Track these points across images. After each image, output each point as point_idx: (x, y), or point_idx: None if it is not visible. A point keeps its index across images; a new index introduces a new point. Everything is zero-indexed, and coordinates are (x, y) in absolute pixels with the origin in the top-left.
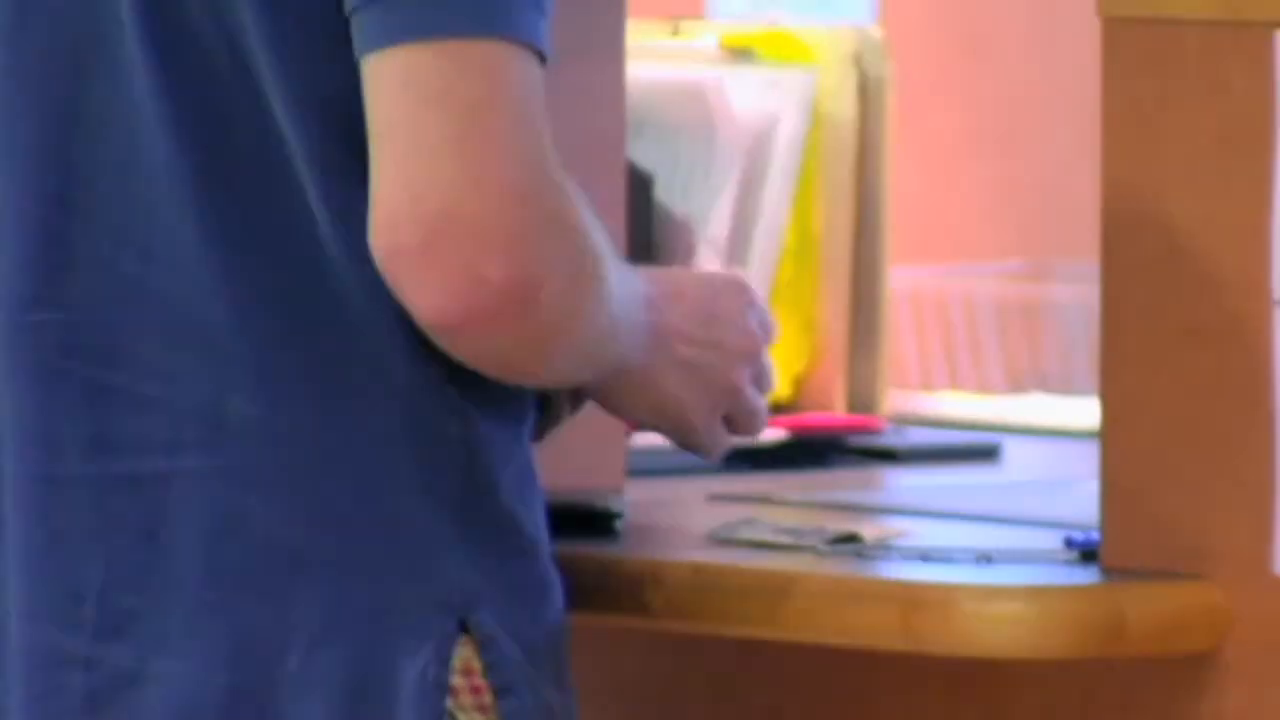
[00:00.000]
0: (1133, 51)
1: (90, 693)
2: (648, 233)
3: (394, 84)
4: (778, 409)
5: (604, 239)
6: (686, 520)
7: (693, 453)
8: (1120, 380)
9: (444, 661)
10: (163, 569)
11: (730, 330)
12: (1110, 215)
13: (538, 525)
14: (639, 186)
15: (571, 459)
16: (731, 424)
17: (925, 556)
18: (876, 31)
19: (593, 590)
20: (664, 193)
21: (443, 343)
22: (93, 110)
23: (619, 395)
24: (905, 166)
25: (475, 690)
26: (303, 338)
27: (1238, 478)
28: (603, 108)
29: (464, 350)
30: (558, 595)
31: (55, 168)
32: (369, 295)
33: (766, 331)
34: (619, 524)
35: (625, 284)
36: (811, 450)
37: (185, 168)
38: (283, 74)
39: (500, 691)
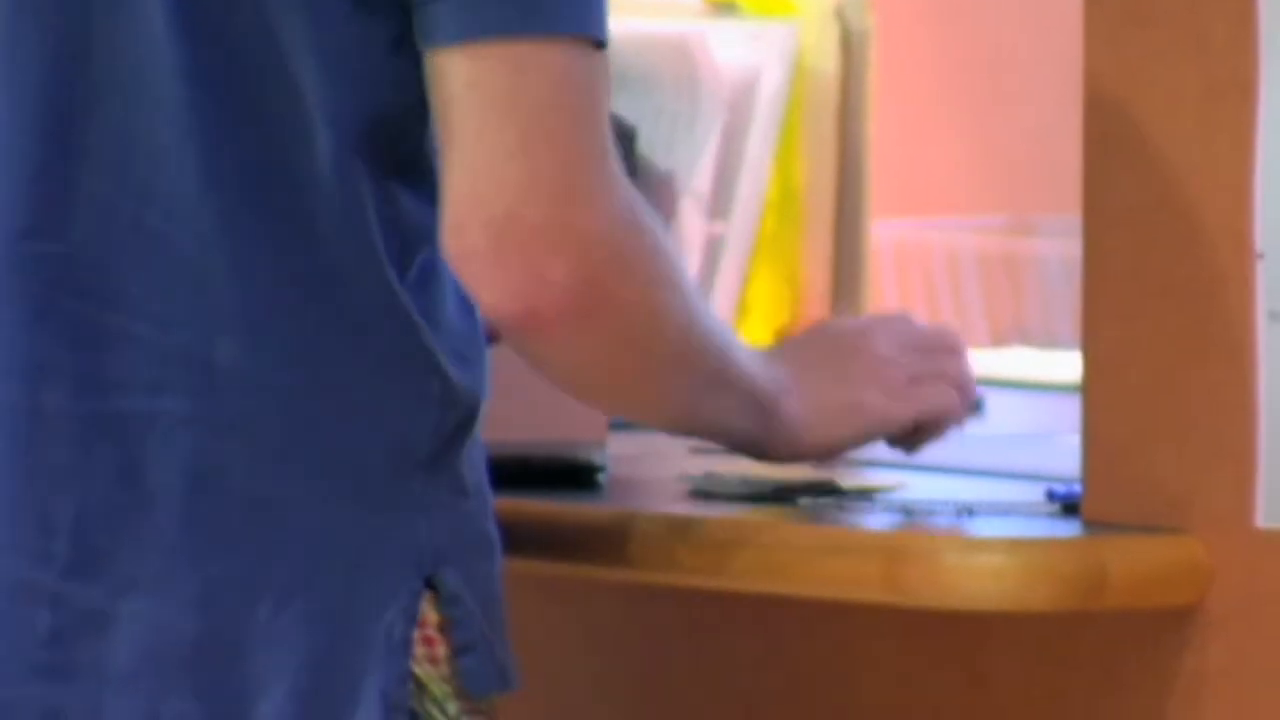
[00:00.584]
0: (1116, 5)
1: (55, 629)
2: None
3: (459, 84)
4: None
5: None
6: (668, 473)
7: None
8: (1102, 334)
9: (411, 619)
10: (138, 511)
11: (900, 380)
12: (1092, 169)
13: (483, 482)
14: (622, 140)
15: (553, 413)
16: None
17: (907, 509)
18: None
19: (575, 543)
20: (646, 146)
21: (518, 348)
22: (103, 46)
23: (788, 441)
24: (887, 120)
25: (428, 641)
26: (293, 292)
27: (1219, 431)
28: None
29: (537, 350)
30: (499, 553)
31: (60, 101)
32: (360, 259)
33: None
34: (601, 477)
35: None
36: None
37: (194, 114)
38: (307, 35)
39: (460, 650)
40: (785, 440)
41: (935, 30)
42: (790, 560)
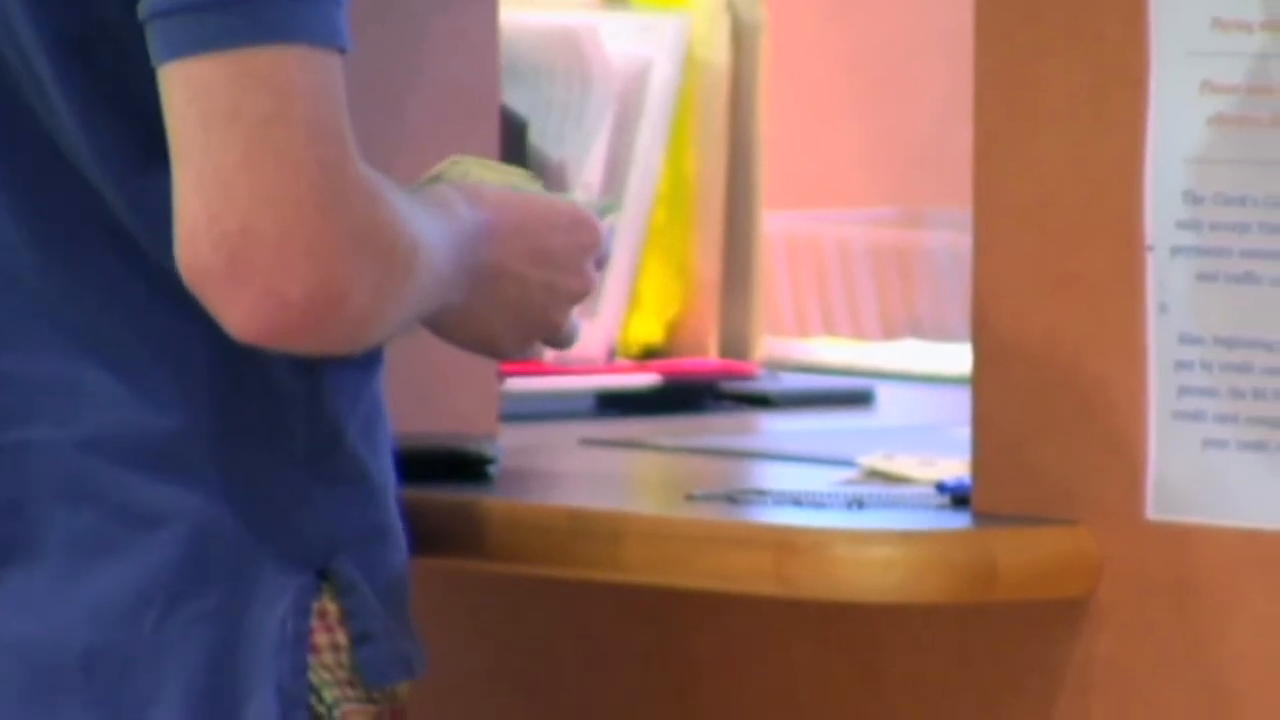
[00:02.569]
0: (1007, 0)
1: None
2: None
3: (182, 100)
4: (651, 354)
5: (419, 209)
6: (559, 465)
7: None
8: (993, 326)
9: (303, 612)
10: (25, 537)
11: (564, 274)
12: (983, 162)
13: (385, 471)
14: (513, 131)
15: (445, 404)
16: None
17: (797, 501)
18: None
19: (465, 536)
20: (538, 137)
21: (258, 346)
22: None
23: (436, 326)
24: (779, 112)
25: (328, 629)
26: (134, 307)
27: (1110, 424)
28: (476, 52)
29: (279, 351)
30: (404, 542)
31: None
32: None
33: (603, 266)
34: (493, 469)
35: (440, 237)
36: (685, 395)
37: None
38: (62, 72)
39: (358, 639)
40: (435, 329)
41: (827, 23)
42: (681, 553)
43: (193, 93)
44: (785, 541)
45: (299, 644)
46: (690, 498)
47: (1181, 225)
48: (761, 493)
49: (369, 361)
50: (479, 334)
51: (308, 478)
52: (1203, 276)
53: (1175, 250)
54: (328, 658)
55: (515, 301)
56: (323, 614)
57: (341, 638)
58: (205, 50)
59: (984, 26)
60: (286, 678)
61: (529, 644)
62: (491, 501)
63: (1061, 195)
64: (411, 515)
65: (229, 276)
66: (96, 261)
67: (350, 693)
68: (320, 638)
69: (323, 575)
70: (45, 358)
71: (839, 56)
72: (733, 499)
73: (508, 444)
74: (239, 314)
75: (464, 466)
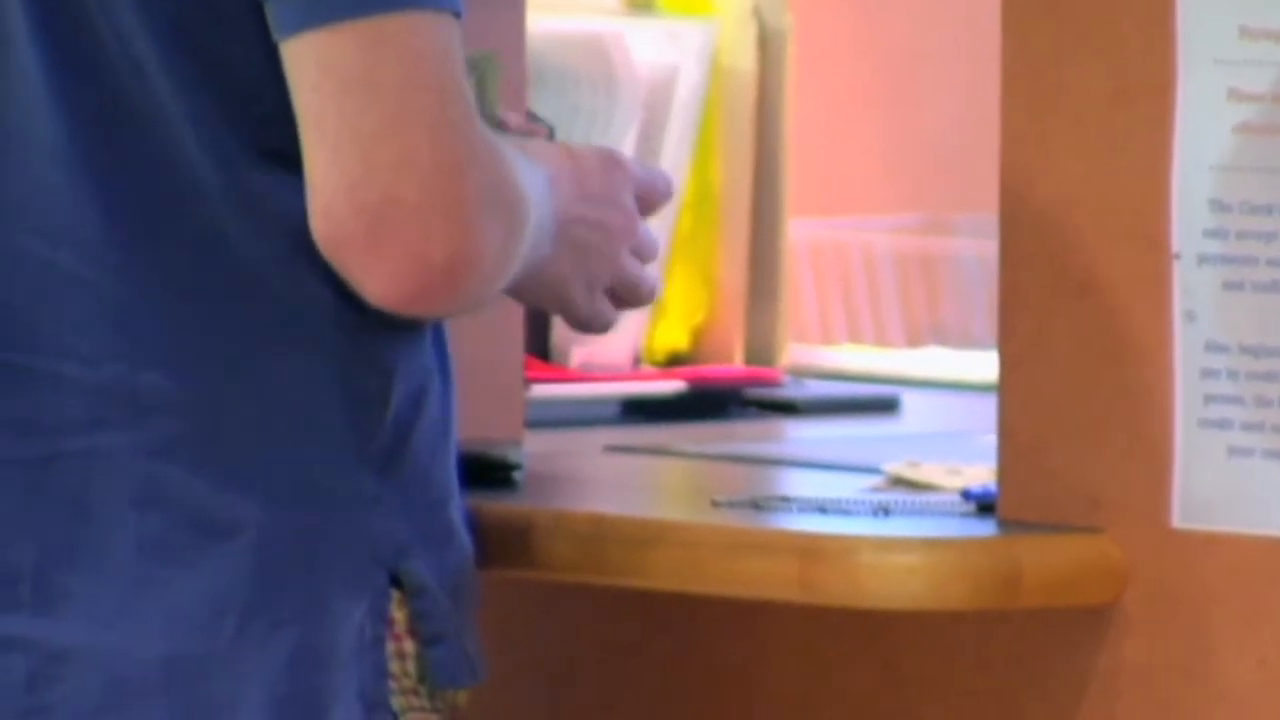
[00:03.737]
0: (1031, 5)
1: (31, 674)
2: None
3: (314, 71)
4: (676, 361)
5: (521, 162)
6: (584, 471)
7: (577, 328)
8: (1018, 333)
9: (380, 617)
10: (94, 545)
11: (612, 209)
12: (1008, 169)
13: (450, 476)
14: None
15: (470, 410)
16: (616, 298)
17: (822, 508)
18: None
19: (491, 541)
20: None
21: (395, 312)
22: None
23: (516, 287)
24: (805, 120)
25: (395, 637)
26: (210, 310)
27: (1135, 431)
28: (503, 58)
29: (410, 315)
30: (469, 546)
31: None
32: (268, 261)
33: (643, 203)
34: (518, 475)
35: (537, 190)
36: (710, 402)
37: (79, 152)
38: (169, 58)
39: (429, 641)
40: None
41: (853, 30)
42: (706, 559)
43: (325, 64)
44: (810, 548)
45: (377, 646)
46: (715, 504)
47: (1208, 233)
48: (786, 499)
49: (433, 367)
50: (548, 283)
51: (378, 483)
52: (1229, 285)
53: (1202, 258)
54: (394, 666)
55: (578, 243)
56: (390, 622)
57: (408, 645)
58: (334, 20)
59: (1009, 33)
60: (369, 681)
61: (554, 650)
62: (516, 507)
63: (1087, 202)
64: None
65: (370, 244)
66: (178, 264)
67: (415, 701)
68: (388, 645)
69: (394, 578)
70: (111, 364)
71: (865, 63)
72: (758, 506)
73: (533, 450)
74: (381, 280)
75: (489, 472)
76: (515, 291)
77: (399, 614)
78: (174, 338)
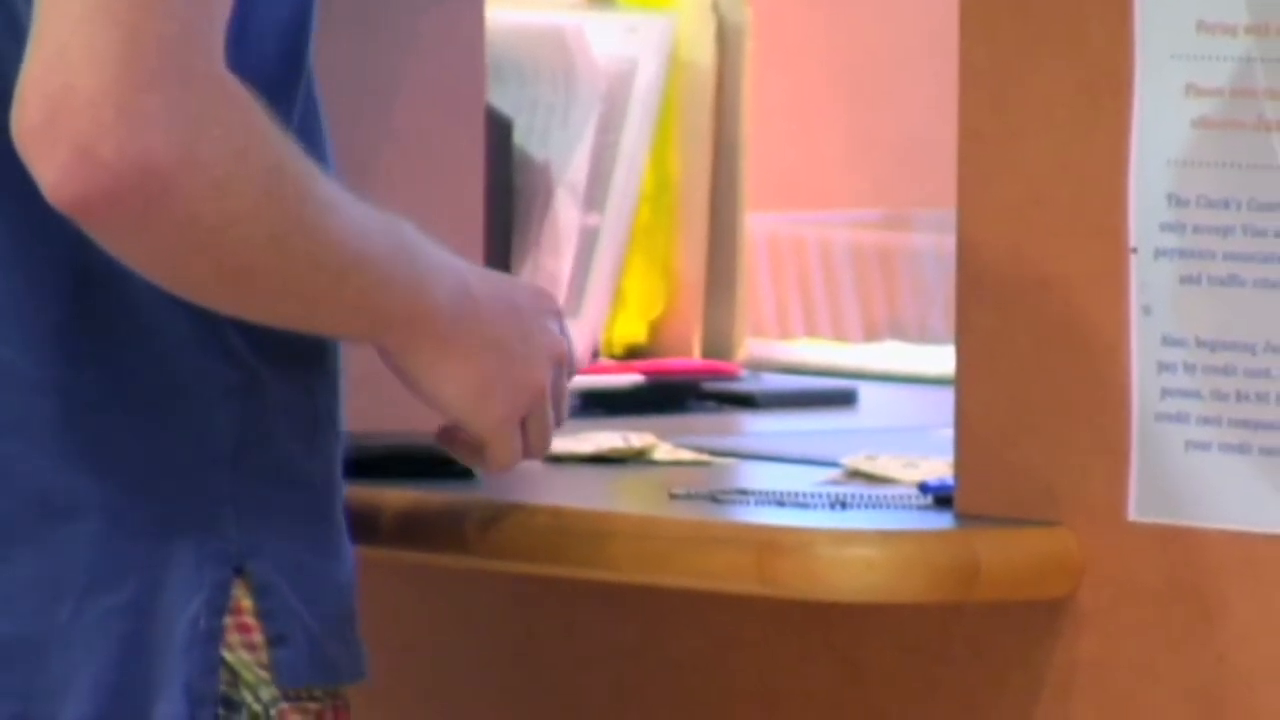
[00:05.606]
0: (991, 1)
1: None
2: (507, 177)
3: None
4: (634, 353)
5: (354, 202)
6: (543, 464)
7: (473, 462)
8: (976, 327)
9: (217, 610)
10: None
11: (537, 329)
12: (967, 163)
13: (329, 475)
14: (498, 131)
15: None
16: (525, 433)
17: (780, 501)
18: None
19: (450, 534)
20: (522, 137)
21: (84, 229)
22: None
23: (417, 356)
24: (764, 114)
25: (244, 629)
26: (65, 282)
27: (1093, 425)
28: (462, 51)
29: (105, 240)
30: (347, 549)
31: None
32: None
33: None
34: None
35: (423, 243)
36: (668, 395)
37: None
38: None
39: (275, 640)
40: (415, 363)
41: (812, 25)
42: (664, 551)
43: None
44: (768, 541)
45: (210, 642)
46: (673, 497)
47: (1165, 227)
48: (744, 493)
49: (311, 360)
50: (468, 379)
51: (232, 477)
52: (1186, 279)
53: (1159, 252)
54: (248, 654)
55: (501, 344)
56: (237, 608)
57: (259, 635)
58: None
59: (969, 28)
60: (195, 676)
61: (512, 642)
62: (476, 499)
63: (1045, 197)
64: (396, 513)
65: (45, 133)
66: (32, 246)
67: (278, 691)
68: (255, 636)
69: (239, 573)
70: None
71: (823, 58)
72: (716, 499)
73: None
74: (53, 172)
75: (449, 464)
76: (428, 378)
77: (247, 602)
78: (23, 316)
